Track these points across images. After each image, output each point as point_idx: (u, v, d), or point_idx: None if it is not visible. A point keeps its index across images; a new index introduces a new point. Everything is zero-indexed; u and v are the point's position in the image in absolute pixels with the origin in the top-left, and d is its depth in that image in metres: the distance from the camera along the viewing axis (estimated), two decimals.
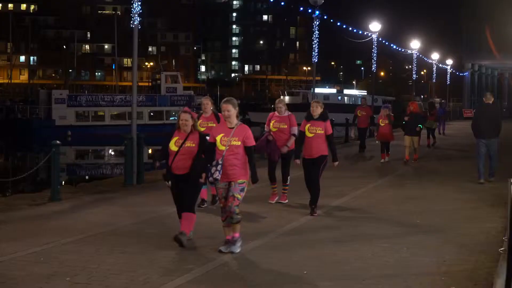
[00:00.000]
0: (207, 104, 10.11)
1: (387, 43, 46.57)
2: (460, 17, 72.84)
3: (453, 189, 12.94)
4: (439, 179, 14.60)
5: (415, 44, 48.47)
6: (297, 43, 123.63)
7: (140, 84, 76.07)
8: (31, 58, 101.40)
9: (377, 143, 18.79)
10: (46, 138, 20.64)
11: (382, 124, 17.92)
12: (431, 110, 24.92)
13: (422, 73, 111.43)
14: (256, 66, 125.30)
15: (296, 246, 7.68)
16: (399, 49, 52.13)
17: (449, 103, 66.30)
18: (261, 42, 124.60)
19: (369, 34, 36.83)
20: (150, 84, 64.26)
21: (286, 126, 10.57)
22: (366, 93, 72.59)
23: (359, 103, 62.87)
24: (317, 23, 26.72)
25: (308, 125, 9.80)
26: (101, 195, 11.62)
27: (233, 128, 7.25)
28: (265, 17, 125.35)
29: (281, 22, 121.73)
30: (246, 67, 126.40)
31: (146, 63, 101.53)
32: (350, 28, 37.99)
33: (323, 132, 9.69)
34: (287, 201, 10.75)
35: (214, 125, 9.32)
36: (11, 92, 73.24)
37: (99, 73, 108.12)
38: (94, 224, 8.87)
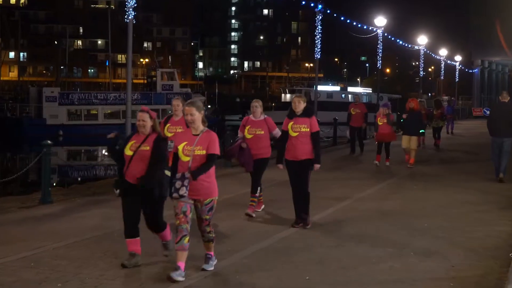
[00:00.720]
0: (178, 106, 9.37)
1: (393, 39, 46.60)
2: (468, 11, 72.83)
3: (461, 190, 12.95)
4: (447, 180, 14.60)
5: (422, 40, 48.50)
6: (299, 38, 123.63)
7: (135, 81, 75.98)
8: (21, 54, 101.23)
9: (376, 144, 17.70)
10: (36, 138, 20.67)
11: (381, 123, 16.97)
12: (438, 108, 24.68)
13: (430, 70, 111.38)
14: (256, 62, 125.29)
15: (298, 250, 7.69)
16: (406, 45, 52.16)
17: (458, 101, 66.30)
18: (262, 37, 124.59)
19: (374, 29, 36.86)
20: (145, 81, 64.25)
21: (263, 132, 9.63)
22: (371, 91, 72.79)
23: (364, 101, 63.17)
24: (320, 17, 26.75)
25: (291, 123, 8.93)
26: (94, 198, 11.62)
27: (197, 135, 6.49)
28: (265, 11, 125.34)
29: (283, 16, 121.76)
30: (246, 64, 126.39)
31: (141, 60, 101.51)
32: (355, 23, 38.02)
33: (308, 130, 8.85)
34: (262, 208, 10.15)
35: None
36: (0, 89, 73.28)
37: (92, 70, 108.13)
38: (87, 227, 8.88)
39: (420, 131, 16.92)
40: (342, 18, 35.82)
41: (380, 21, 35.41)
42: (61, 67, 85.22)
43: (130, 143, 6.85)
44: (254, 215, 9.66)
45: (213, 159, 6.47)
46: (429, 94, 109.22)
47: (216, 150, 6.46)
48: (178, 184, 6.31)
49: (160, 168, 6.60)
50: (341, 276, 6.69)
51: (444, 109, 26.62)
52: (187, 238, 6.42)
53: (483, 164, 17.55)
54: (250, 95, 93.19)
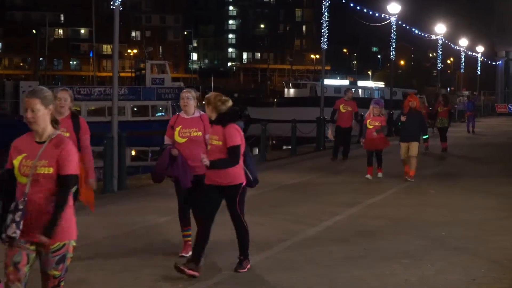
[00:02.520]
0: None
1: (408, 27, 46.59)
2: None
3: (484, 196, 12.96)
4: (467, 184, 14.62)
5: (440, 29, 48.51)
6: (304, 27, 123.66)
7: (122, 74, 75.90)
8: None
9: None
10: (12, 138, 20.62)
11: (370, 126, 14.74)
12: (446, 105, 22.43)
13: (449, 62, 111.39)
14: (256, 54, 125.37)
15: (304, 263, 7.69)
16: (422, 34, 52.16)
17: (480, 97, 66.34)
18: (262, 26, 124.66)
19: (387, 17, 36.86)
20: (133, 74, 64.22)
21: (201, 134, 7.66)
22: (383, 85, 72.83)
23: (376, 96, 63.19)
24: (327, 3, 26.73)
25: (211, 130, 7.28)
26: (76, 203, 11.59)
27: (43, 143, 4.66)
28: None
29: (285, 2, 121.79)
30: (245, 55, 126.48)
31: (129, 51, 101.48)
32: (365, 10, 38.04)
33: (220, 143, 6.98)
34: (188, 254, 7.67)
35: (68, 134, 7.28)
36: None
37: (74, 62, 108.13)
38: None
39: (424, 136, 15.63)
40: (351, 5, 35.82)
41: (394, 7, 35.40)
42: (40, 58, 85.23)
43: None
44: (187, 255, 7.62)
45: (69, 184, 4.59)
46: (448, 89, 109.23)
47: (73, 168, 4.60)
48: (9, 219, 4.46)
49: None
50: None
51: (451, 106, 24.68)
52: None
53: (507, 166, 17.56)
54: (250, 89, 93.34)
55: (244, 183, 7.13)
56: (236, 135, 6.98)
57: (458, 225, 10.00)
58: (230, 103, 7.09)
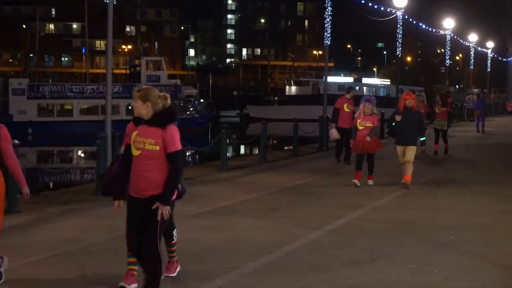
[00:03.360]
0: None
1: (414, 22, 46.62)
2: None
3: (494, 198, 12.97)
4: (477, 186, 14.62)
5: (448, 23, 48.53)
6: (306, 22, 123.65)
7: (116, 71, 75.91)
8: None
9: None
10: None
11: (361, 127, 13.93)
12: (444, 104, 21.31)
13: (458, 58, 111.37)
14: (256, 49, 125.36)
15: (306, 268, 7.70)
16: (430, 29, 52.19)
17: (490, 95, 66.36)
18: (262, 20, 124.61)
19: (393, 11, 36.88)
20: (128, 71, 64.28)
21: (158, 148, 6.32)
22: (389, 83, 72.85)
23: (382, 94, 63.15)
24: None
25: (135, 133, 6.39)
26: (68, 206, 11.64)
27: None
28: None
29: None
30: (244, 51, 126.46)
31: (123, 46, 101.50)
32: (370, 4, 38.05)
33: (159, 149, 6.24)
34: (175, 273, 7.29)
35: None
36: None
37: (66, 58, 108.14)
38: (61, 240, 8.89)
39: (421, 139, 14.04)
40: None
41: (400, 1, 35.40)
42: (30, 55, 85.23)
43: None
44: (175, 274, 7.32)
45: None
46: (457, 86, 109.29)
47: None
48: None
49: None
50: None
51: (450, 106, 22.94)
52: None
53: None
54: (249, 87, 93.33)
55: (174, 197, 6.34)
56: (178, 138, 6.29)
57: (467, 229, 10.01)
58: (169, 100, 6.42)
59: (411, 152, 13.71)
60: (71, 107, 47.92)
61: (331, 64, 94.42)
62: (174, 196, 6.31)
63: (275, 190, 13.19)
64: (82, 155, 35.98)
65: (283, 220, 10.43)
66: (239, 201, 11.97)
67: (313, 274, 7.46)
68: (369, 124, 13.76)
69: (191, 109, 50.97)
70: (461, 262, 8.03)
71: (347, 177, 15.55)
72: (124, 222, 6.49)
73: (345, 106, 18.07)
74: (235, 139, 39.18)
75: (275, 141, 31.96)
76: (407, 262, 7.99)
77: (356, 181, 13.96)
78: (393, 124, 13.94)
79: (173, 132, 6.23)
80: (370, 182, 14.25)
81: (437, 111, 21.37)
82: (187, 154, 34.59)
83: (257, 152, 23.35)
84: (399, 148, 13.87)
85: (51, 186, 23.30)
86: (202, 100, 56.81)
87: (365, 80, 72.41)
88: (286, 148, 28.04)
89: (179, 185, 6.42)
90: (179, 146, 6.23)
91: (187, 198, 12.09)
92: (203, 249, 8.38)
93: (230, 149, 32.37)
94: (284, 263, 7.89)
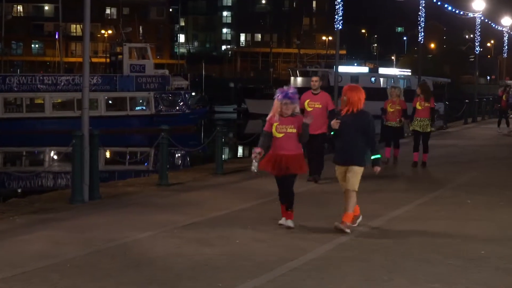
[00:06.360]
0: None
1: (439, 3, 46.64)
2: None
3: None
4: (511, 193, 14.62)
5: (478, 5, 48.51)
6: (314, 3, 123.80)
7: (94, 60, 75.96)
8: None
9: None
10: None
11: (280, 135, 10.65)
12: (427, 99, 18.57)
13: (489, 44, 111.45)
14: (256, 35, 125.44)
15: (313, 287, 7.70)
16: (457, 12, 52.20)
17: None
18: (263, 1, 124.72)
19: None
20: (108, 60, 64.26)
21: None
22: (410, 73, 72.88)
23: (401, 86, 63.05)
24: None
25: None
26: (39, 216, 11.63)
27: None
28: None
29: None
30: (243, 37, 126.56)
31: (103, 31, 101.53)
32: None
33: None
34: None
35: None
36: None
37: (37, 45, 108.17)
38: (30, 255, 8.88)
39: (372, 157, 10.73)
40: None
41: None
42: None
43: None
44: None
45: None
46: (488, 78, 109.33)
47: None
48: None
49: None
50: None
51: (433, 101, 18.92)
52: None
53: None
54: (248, 78, 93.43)
55: None
56: None
57: (500, 242, 10.00)
58: None
59: (354, 176, 10.65)
60: (42, 102, 47.90)
61: (343, 52, 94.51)
62: None
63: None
64: (55, 157, 36.00)
65: (286, 232, 10.42)
66: (236, 210, 11.96)
67: None
68: (291, 130, 10.63)
69: (181, 103, 50.99)
70: (493, 281, 8.03)
71: (362, 183, 15.51)
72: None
73: (306, 103, 15.50)
74: (232, 138, 39.21)
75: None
76: (431, 280, 7.99)
77: (282, 220, 10.85)
78: (332, 133, 10.79)
79: None
80: (290, 223, 10.71)
81: (418, 107, 18.57)
82: (176, 155, 34.61)
83: None
84: (339, 170, 10.81)
85: (19, 193, 23.30)
86: (193, 94, 56.87)
87: (382, 70, 72.42)
88: None
89: None
90: None
91: (176, 207, 12.10)
92: (195, 266, 8.37)
93: (226, 150, 32.44)
94: (288, 281, 7.89)
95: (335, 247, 9.58)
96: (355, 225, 10.76)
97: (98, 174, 13.46)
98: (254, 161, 10.77)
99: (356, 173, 10.61)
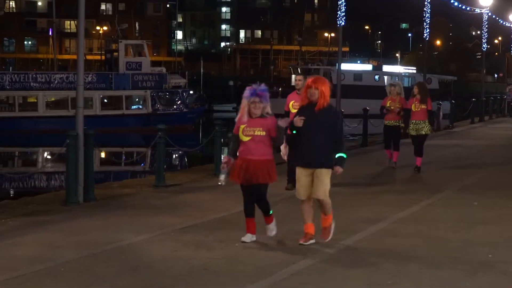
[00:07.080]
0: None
1: None
2: None
3: None
4: None
5: (485, 0, 48.49)
6: None
7: (89, 57, 75.92)
8: None
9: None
10: None
11: (247, 138, 9.76)
12: (424, 100, 17.70)
13: (496, 41, 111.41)
14: (256, 31, 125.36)
15: None
16: (463, 7, 52.18)
17: None
18: None
19: None
20: (103, 57, 64.27)
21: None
22: (415, 71, 72.82)
23: (406, 84, 63.07)
24: None
25: None
26: (33, 218, 11.63)
27: None
28: None
29: None
30: (242, 33, 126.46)
31: (98, 28, 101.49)
32: None
33: None
34: None
35: None
36: None
37: (30, 42, 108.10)
38: (24, 259, 8.88)
39: (337, 155, 9.74)
40: None
41: None
42: None
43: None
44: None
45: None
46: (495, 75, 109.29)
47: None
48: None
49: None
50: None
51: (431, 102, 18.12)
52: None
53: None
54: (248, 76, 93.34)
55: None
56: None
57: (508, 246, 10.01)
58: None
59: (324, 182, 9.78)
60: (35, 100, 47.87)
61: (346, 49, 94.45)
62: None
63: (279, 199, 13.16)
64: (49, 157, 35.98)
65: (288, 235, 10.42)
66: (236, 212, 11.95)
67: None
68: (259, 132, 9.69)
69: (179, 102, 50.97)
70: (501, 285, 8.03)
71: (366, 184, 15.53)
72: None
73: (291, 104, 14.75)
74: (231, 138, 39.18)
75: None
76: (436, 284, 7.99)
77: (247, 236, 9.97)
78: (293, 132, 9.77)
79: None
80: (271, 228, 10.21)
81: (413, 109, 17.76)
82: (174, 156, 34.61)
83: None
84: (302, 173, 9.80)
85: (12, 194, 23.30)
86: (191, 92, 56.82)
87: (386, 68, 72.27)
88: None
89: None
90: None
91: (173, 209, 12.13)
92: (193, 270, 8.37)
93: (225, 150, 32.38)
94: (289, 286, 7.89)
95: (339, 251, 9.58)
96: (309, 243, 9.78)
97: (93, 175, 13.47)
98: (221, 172, 9.95)
99: (325, 178, 9.73)
